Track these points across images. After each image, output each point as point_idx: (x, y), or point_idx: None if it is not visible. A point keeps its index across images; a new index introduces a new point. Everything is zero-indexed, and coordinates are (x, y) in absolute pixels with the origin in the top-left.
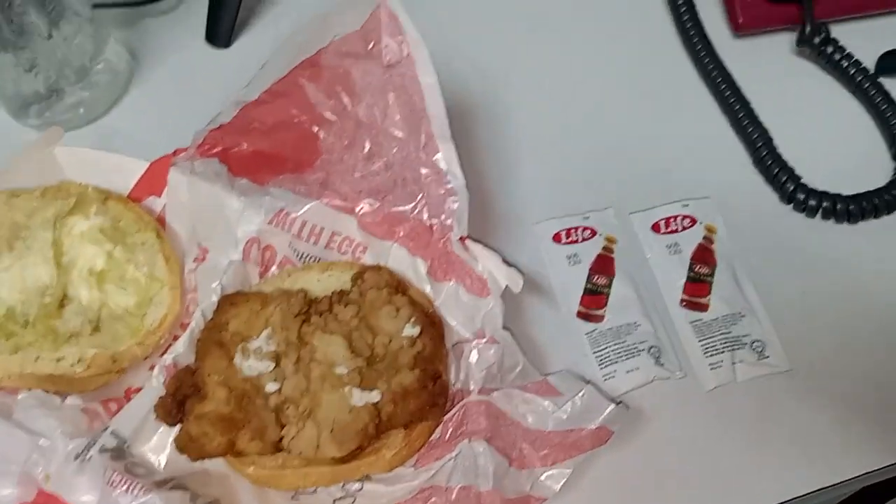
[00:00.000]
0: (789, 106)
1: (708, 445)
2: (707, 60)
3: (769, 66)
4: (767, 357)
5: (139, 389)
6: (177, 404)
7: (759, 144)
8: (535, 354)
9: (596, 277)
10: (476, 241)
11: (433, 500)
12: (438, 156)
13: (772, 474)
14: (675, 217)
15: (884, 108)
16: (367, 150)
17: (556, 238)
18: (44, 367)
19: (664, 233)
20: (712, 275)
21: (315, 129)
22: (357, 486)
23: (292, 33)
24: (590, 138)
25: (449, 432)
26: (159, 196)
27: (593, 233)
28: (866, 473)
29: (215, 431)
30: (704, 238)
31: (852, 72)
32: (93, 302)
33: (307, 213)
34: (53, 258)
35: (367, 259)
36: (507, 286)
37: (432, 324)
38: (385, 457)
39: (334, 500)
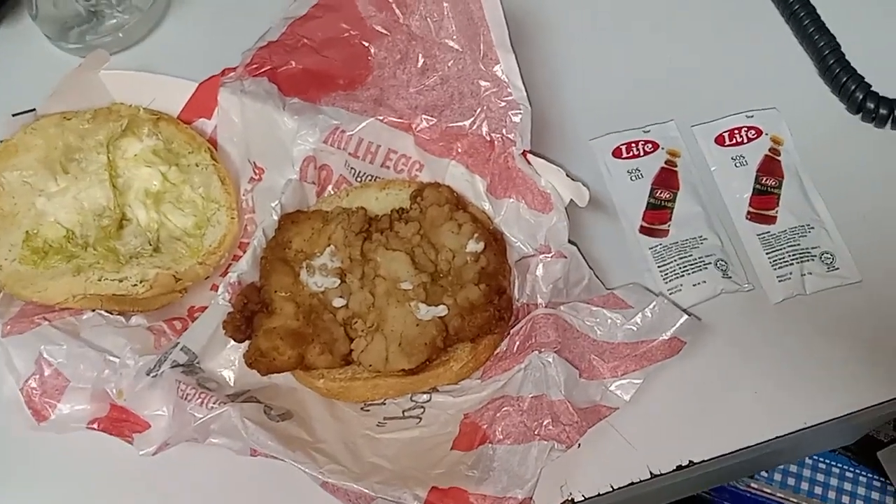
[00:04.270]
0: (857, 12)
1: (777, 358)
2: None
3: None
4: (837, 269)
5: (202, 308)
6: (245, 320)
7: (826, 52)
8: (597, 270)
9: (659, 192)
10: (539, 155)
11: (505, 408)
12: (498, 67)
13: (841, 385)
14: (740, 129)
15: None
16: (420, 63)
17: (616, 153)
18: (107, 287)
19: (728, 145)
20: (779, 187)
21: (366, 43)
22: (425, 397)
23: None
24: (646, 50)
25: (516, 345)
26: (209, 118)
27: (655, 146)
28: None
29: (285, 345)
30: (770, 150)
31: None
32: (151, 223)
33: (363, 130)
34: (109, 180)
35: (424, 177)
36: (570, 201)
37: (495, 239)
38: (452, 369)
39: (403, 411)
